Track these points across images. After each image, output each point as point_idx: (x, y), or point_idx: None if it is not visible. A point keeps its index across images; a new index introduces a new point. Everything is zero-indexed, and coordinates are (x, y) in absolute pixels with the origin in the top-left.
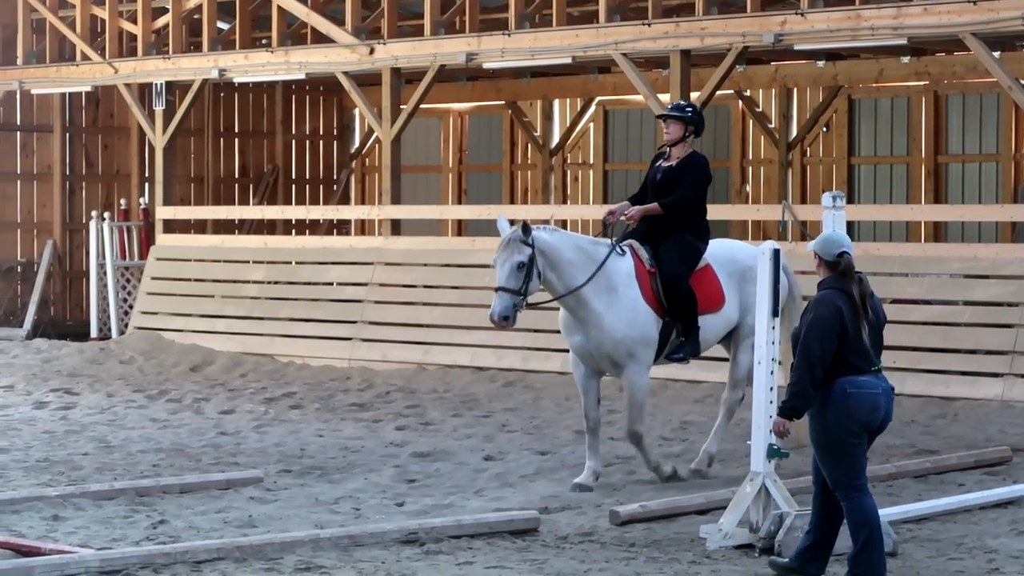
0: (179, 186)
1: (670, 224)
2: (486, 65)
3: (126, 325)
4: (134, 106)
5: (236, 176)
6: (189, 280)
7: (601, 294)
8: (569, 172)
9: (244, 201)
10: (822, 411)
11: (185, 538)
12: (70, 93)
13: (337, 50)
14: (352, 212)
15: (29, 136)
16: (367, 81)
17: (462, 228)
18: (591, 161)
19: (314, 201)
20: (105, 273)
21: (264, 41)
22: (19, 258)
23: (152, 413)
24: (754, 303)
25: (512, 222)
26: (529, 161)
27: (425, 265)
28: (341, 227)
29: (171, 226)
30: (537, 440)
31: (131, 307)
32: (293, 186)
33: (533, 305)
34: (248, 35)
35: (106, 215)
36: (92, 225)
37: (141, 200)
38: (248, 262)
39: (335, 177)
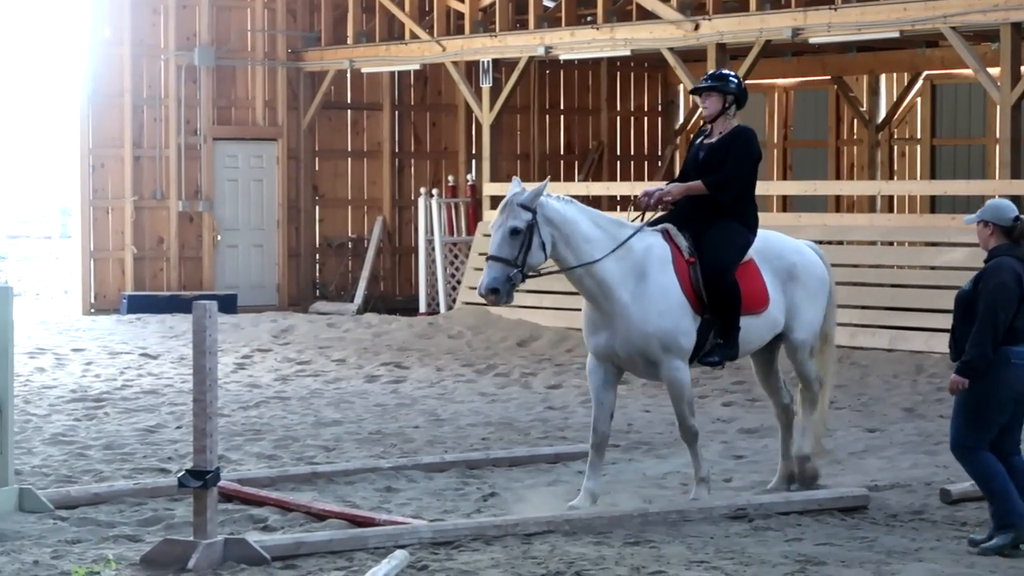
0: (505, 163)
1: (715, 208)
2: (812, 40)
3: (454, 300)
4: (461, 84)
5: (561, 153)
6: None
7: (627, 281)
8: (896, 147)
9: (569, 177)
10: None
11: (515, 511)
12: (399, 71)
13: (662, 26)
14: None
15: (359, 114)
16: (691, 57)
17: (787, 204)
18: (918, 136)
19: (639, 177)
20: (433, 249)
21: (589, 18)
22: (350, 234)
23: (480, 387)
24: (800, 306)
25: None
26: (855, 136)
27: None
28: None
29: (498, 202)
30: (865, 417)
31: (459, 282)
32: (618, 162)
33: (538, 273)
34: (574, 12)
35: (434, 191)
36: (420, 201)
37: (468, 176)
38: None
39: (659, 153)
